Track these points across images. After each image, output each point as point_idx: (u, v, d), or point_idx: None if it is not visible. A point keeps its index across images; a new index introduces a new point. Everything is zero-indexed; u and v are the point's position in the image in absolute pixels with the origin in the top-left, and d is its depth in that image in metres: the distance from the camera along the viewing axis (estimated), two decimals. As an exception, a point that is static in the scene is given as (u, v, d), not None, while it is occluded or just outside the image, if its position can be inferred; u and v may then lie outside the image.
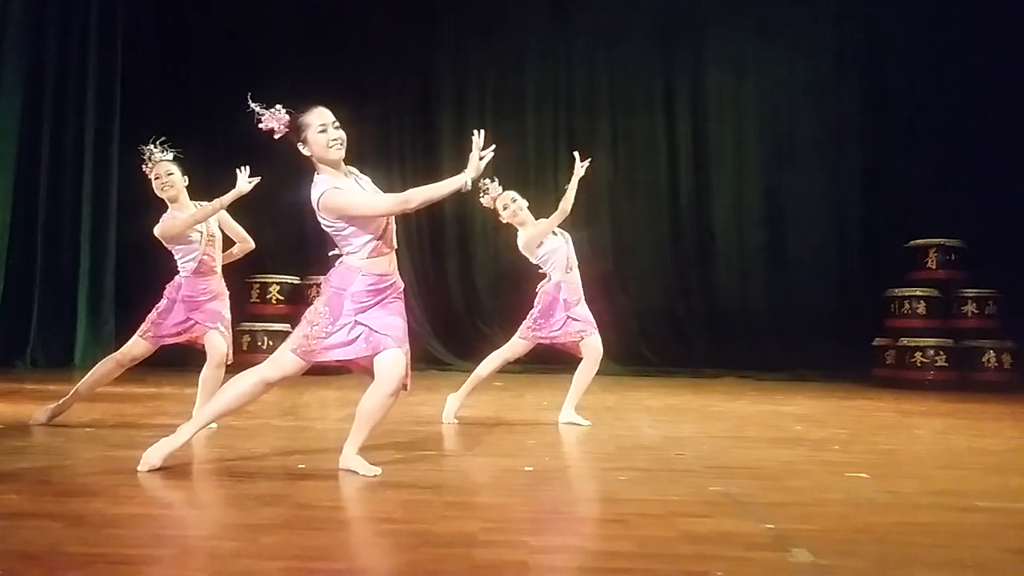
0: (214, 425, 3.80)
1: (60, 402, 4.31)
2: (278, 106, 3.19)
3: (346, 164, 3.26)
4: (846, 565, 2.12)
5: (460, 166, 3.11)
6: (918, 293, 8.54)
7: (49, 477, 3.10)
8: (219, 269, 4.42)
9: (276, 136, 3.19)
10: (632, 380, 8.42)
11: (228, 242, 4.54)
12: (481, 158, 3.11)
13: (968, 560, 2.22)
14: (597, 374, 4.93)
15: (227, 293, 4.45)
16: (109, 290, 9.04)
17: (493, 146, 3.14)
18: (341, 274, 3.22)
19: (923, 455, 4.10)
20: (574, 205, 4.83)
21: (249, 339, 8.44)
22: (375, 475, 3.12)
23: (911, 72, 9.59)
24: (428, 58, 10.35)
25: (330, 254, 3.33)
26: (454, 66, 10.37)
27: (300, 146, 3.19)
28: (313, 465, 3.38)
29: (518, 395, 6.57)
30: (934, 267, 8.69)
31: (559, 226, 4.87)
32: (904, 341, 8.33)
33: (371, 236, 3.19)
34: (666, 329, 9.84)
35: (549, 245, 4.86)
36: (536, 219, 4.91)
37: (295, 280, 9.09)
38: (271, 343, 8.26)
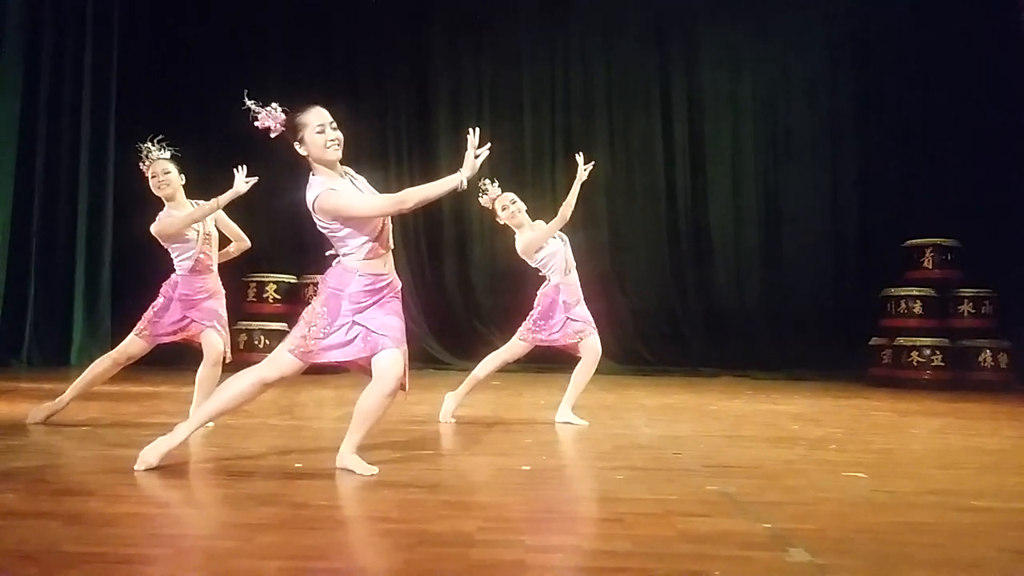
0: (211, 424, 3.80)
1: (56, 401, 4.30)
2: (274, 104, 3.18)
3: (341, 164, 3.25)
4: (843, 564, 2.12)
5: (456, 165, 3.10)
6: (914, 293, 8.56)
7: (45, 476, 3.09)
8: (215, 268, 4.41)
9: (272, 135, 3.18)
10: (629, 379, 8.42)
11: (224, 241, 4.53)
12: (477, 157, 3.11)
13: (964, 559, 2.22)
14: (594, 373, 4.93)
15: (223, 292, 4.45)
16: (105, 288, 9.03)
17: (489, 145, 3.14)
18: (338, 275, 3.21)
19: (920, 454, 4.10)
20: (571, 204, 4.83)
21: (246, 338, 8.44)
22: (372, 474, 3.12)
23: (907, 71, 9.62)
24: (424, 57, 10.35)
25: (327, 254, 3.32)
26: (450, 65, 10.36)
27: (296, 145, 3.17)
28: (310, 464, 3.37)
29: (515, 394, 6.57)
30: (930, 267, 8.71)
31: (558, 228, 4.87)
32: (900, 341, 8.35)
33: (367, 237, 3.18)
34: (663, 328, 9.84)
35: (548, 248, 4.85)
36: (532, 220, 4.92)
37: (292, 279, 9.08)
38: (268, 342, 8.27)
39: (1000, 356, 8.21)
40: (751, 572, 2.07)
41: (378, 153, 9.73)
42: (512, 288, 8.48)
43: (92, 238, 8.98)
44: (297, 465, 3.37)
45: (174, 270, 4.33)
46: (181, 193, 4.33)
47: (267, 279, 8.94)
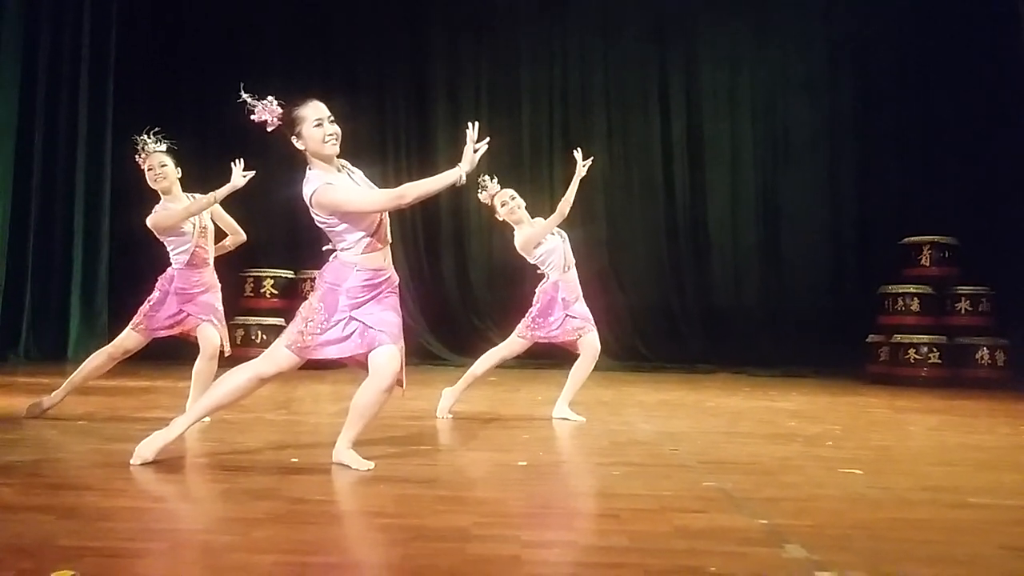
0: (207, 419, 3.79)
1: (52, 395, 4.30)
2: (270, 98, 3.16)
3: (339, 158, 3.24)
4: (839, 560, 2.12)
5: (455, 160, 3.09)
6: (912, 290, 8.56)
7: (41, 470, 3.09)
8: (212, 261, 4.41)
9: (269, 129, 3.16)
10: (627, 375, 8.42)
11: (220, 234, 4.52)
12: (475, 151, 3.09)
13: (961, 556, 2.22)
14: (592, 369, 4.93)
15: (219, 285, 4.44)
16: (102, 282, 9.02)
17: (487, 139, 3.13)
18: (335, 270, 3.20)
19: (916, 451, 4.11)
20: (570, 202, 4.82)
21: (243, 333, 8.43)
22: (368, 469, 3.12)
23: (905, 70, 9.62)
24: (422, 52, 10.32)
25: (324, 249, 3.31)
26: (449, 60, 10.34)
27: (294, 139, 3.16)
28: (306, 459, 3.37)
29: (513, 390, 6.57)
30: (928, 264, 8.70)
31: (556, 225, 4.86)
32: (898, 338, 8.35)
33: (365, 232, 3.17)
34: (661, 325, 9.85)
35: (547, 245, 4.84)
36: (531, 216, 4.91)
37: (289, 274, 9.08)
38: (265, 337, 8.26)
39: (997, 354, 8.21)
40: (747, 568, 2.07)
41: (377, 148, 9.71)
42: (510, 284, 8.48)
43: (89, 232, 8.96)
44: (293, 460, 3.37)
45: (171, 264, 4.32)
46: (177, 186, 4.33)
47: (264, 274, 8.93)
